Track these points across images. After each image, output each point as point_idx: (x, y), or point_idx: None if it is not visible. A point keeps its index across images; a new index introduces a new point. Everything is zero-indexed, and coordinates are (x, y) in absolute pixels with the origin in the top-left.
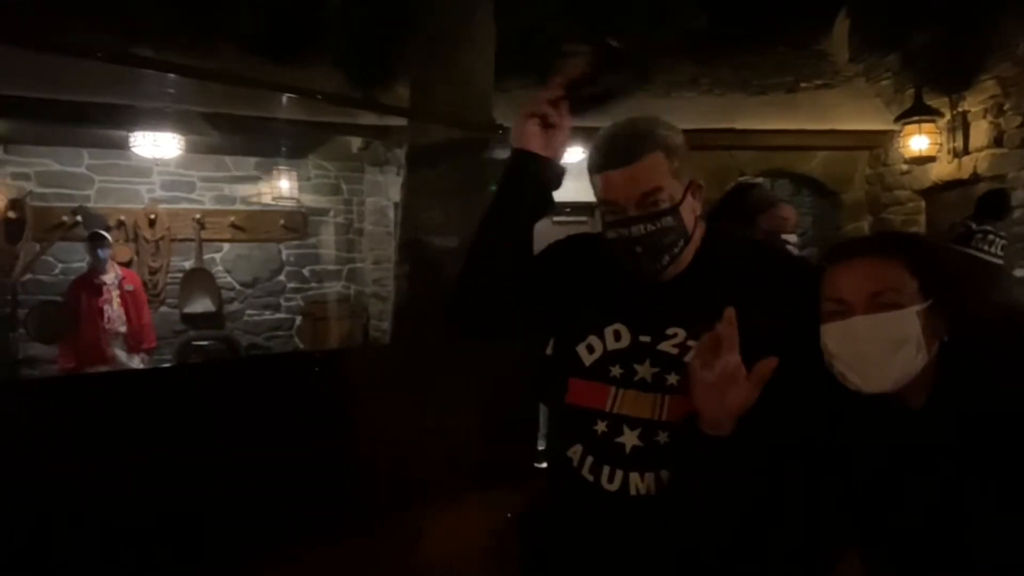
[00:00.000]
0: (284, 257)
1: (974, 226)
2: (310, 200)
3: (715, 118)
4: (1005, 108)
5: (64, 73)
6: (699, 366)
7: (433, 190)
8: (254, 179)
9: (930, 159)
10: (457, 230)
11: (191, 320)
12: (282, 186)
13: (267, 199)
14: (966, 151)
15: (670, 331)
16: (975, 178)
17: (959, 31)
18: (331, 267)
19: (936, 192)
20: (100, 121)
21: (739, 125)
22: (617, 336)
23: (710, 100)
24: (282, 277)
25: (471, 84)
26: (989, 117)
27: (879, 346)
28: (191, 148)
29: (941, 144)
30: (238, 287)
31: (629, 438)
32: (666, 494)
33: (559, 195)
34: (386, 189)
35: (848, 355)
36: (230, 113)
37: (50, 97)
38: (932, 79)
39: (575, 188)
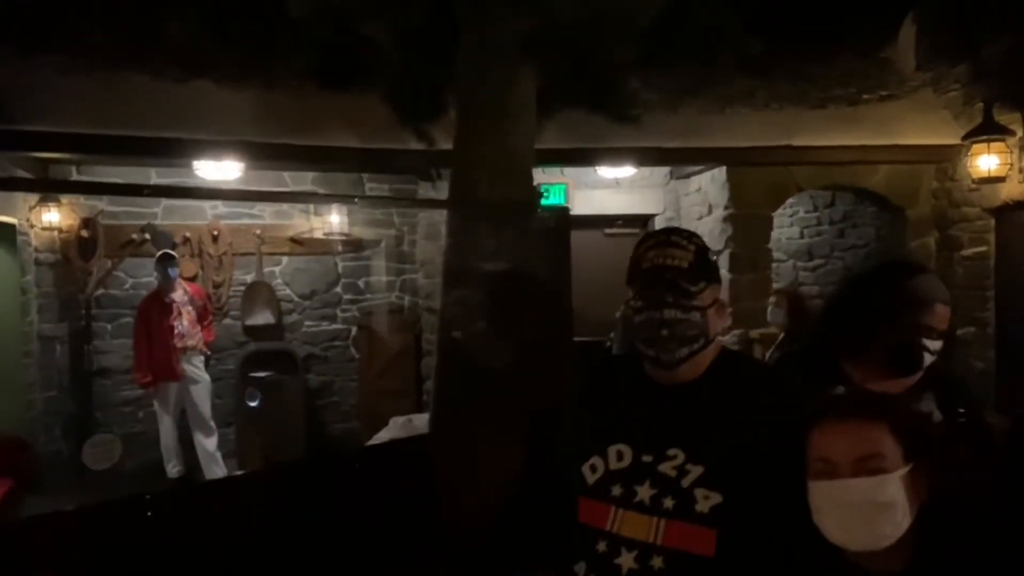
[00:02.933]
0: (340, 269)
1: None
2: (361, 229)
3: (772, 134)
4: None
5: (127, 109)
6: None
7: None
8: (305, 211)
9: (999, 179)
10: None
11: (253, 331)
12: (333, 221)
13: (318, 234)
14: None
15: (671, 452)
16: None
17: None
18: (385, 278)
19: (1007, 211)
20: (164, 154)
21: (797, 141)
22: (620, 456)
23: (766, 115)
24: (338, 289)
25: (513, 157)
26: None
27: (865, 509)
28: (251, 165)
29: (1012, 164)
30: (296, 299)
31: (626, 560)
32: None
33: (613, 207)
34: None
35: (834, 514)
36: (287, 143)
37: (117, 133)
38: (1003, 93)
39: (628, 201)
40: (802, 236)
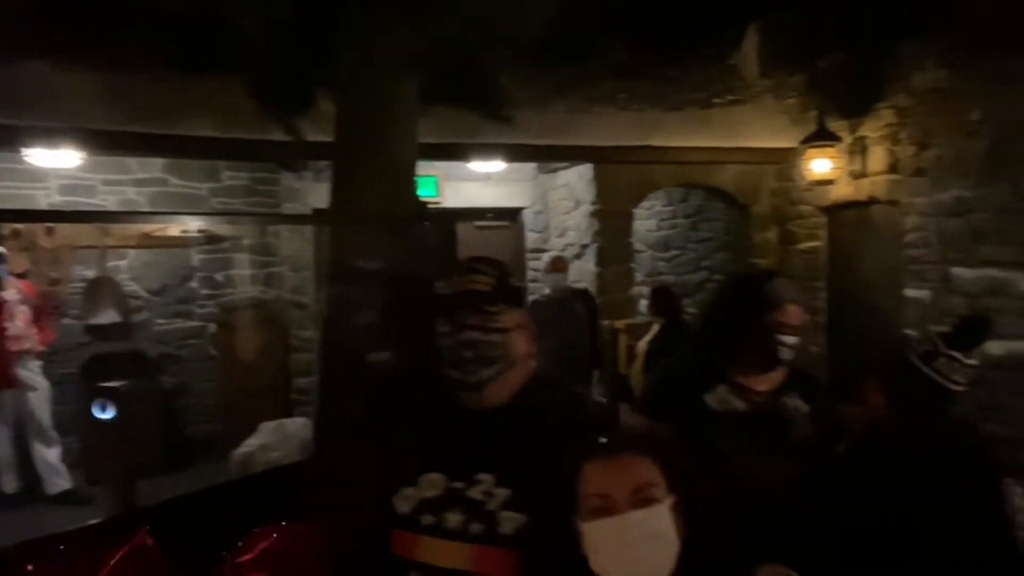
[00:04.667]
0: (195, 263)
1: (942, 347)
2: (220, 224)
3: (635, 134)
4: (900, 137)
5: None
6: None
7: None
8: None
9: (830, 181)
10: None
11: (97, 331)
12: (191, 224)
13: (174, 232)
14: (864, 174)
15: (480, 476)
16: (871, 200)
17: (860, 59)
18: (248, 272)
19: (836, 210)
20: None
21: (656, 141)
22: (432, 484)
23: (629, 116)
24: (193, 284)
25: (399, 166)
26: (886, 144)
27: (643, 541)
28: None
29: (841, 167)
30: (146, 295)
31: None
32: None
33: (483, 200)
34: (304, 196)
35: (613, 550)
36: (135, 131)
37: None
38: (834, 103)
39: (497, 194)
40: (659, 228)
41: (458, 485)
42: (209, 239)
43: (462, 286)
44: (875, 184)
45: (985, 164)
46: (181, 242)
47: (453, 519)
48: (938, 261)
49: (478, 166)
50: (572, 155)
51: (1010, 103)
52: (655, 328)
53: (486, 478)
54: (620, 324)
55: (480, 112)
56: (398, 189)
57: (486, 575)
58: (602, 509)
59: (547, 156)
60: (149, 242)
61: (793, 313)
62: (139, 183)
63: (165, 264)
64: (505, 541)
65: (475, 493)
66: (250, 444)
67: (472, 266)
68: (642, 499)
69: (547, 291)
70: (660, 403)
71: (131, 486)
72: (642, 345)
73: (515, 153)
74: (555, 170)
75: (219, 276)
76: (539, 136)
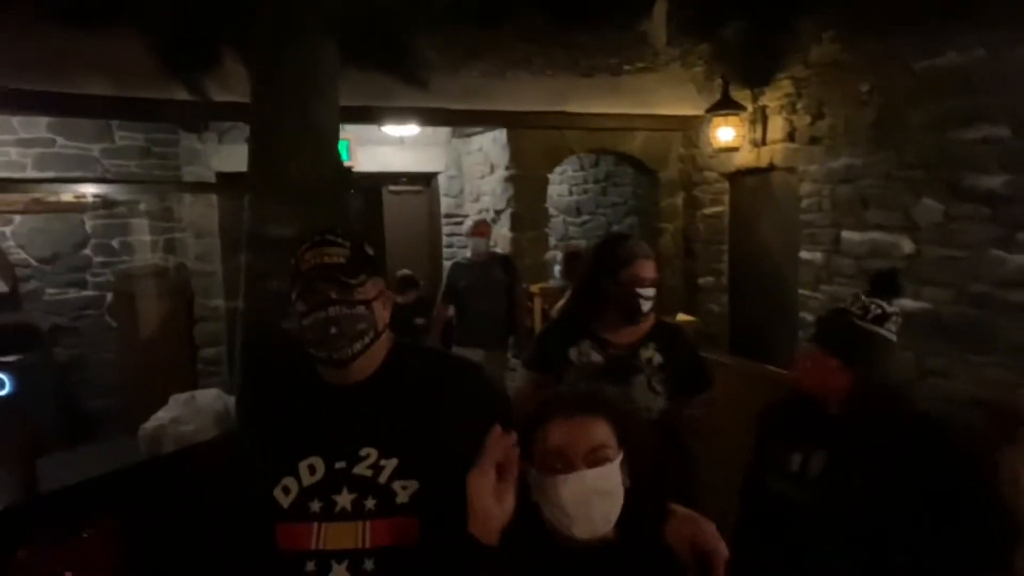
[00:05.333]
0: (88, 229)
1: (888, 308)
2: (118, 189)
3: (548, 99)
4: (797, 107)
5: None
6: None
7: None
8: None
9: (734, 149)
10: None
11: None
12: (86, 189)
13: (67, 198)
14: (764, 142)
15: (363, 452)
16: (771, 167)
17: (761, 29)
18: (148, 238)
19: (739, 176)
20: None
21: (569, 107)
22: (312, 470)
23: (543, 81)
24: (87, 251)
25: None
26: (784, 113)
27: (595, 496)
28: None
29: (744, 135)
30: (35, 264)
31: (339, 573)
32: None
33: (397, 165)
34: (206, 158)
35: (568, 504)
36: (21, 88)
37: None
38: (737, 72)
39: (411, 158)
40: (571, 193)
41: (341, 465)
42: (104, 203)
43: (317, 259)
44: (774, 152)
45: (873, 133)
46: (73, 207)
47: (344, 500)
48: (830, 225)
49: (392, 130)
50: (487, 120)
51: (895, 76)
52: (569, 292)
53: (371, 452)
54: (535, 288)
55: (395, 75)
56: (321, 155)
57: (387, 547)
58: (560, 467)
59: (462, 120)
60: (38, 207)
61: (645, 268)
62: (23, 143)
63: (56, 230)
64: (402, 510)
65: (362, 470)
66: (160, 417)
67: (323, 239)
68: (597, 458)
69: (468, 254)
70: (541, 358)
71: (31, 466)
72: (556, 308)
73: (430, 117)
74: (469, 135)
75: (115, 243)
76: (454, 100)
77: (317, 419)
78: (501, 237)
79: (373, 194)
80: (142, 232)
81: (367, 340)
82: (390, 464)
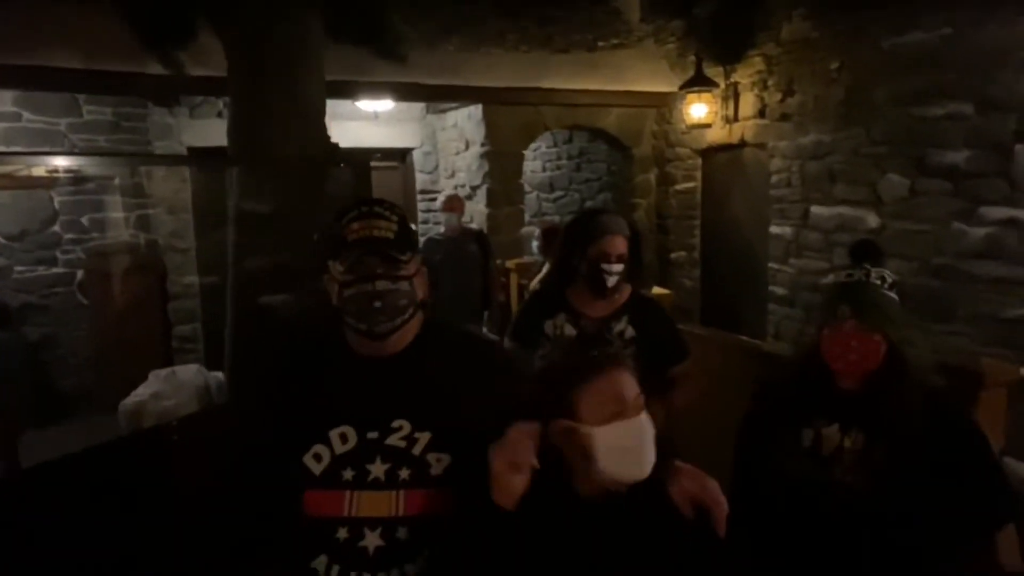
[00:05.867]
0: (56, 205)
1: (888, 276)
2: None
3: (524, 76)
4: (768, 84)
5: None
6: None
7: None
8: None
9: (707, 126)
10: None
11: None
12: (57, 162)
13: (39, 172)
14: (736, 119)
15: (396, 424)
16: (742, 143)
17: (734, 6)
18: (120, 214)
19: (711, 152)
20: None
21: (545, 84)
22: (344, 439)
23: (518, 57)
24: (56, 228)
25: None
26: (755, 90)
27: (649, 440)
28: None
29: (717, 112)
30: (3, 241)
31: (371, 540)
32: None
33: (371, 140)
34: (177, 133)
35: (623, 451)
36: None
37: None
38: (710, 49)
39: (386, 134)
40: (544, 170)
41: (373, 436)
42: (74, 179)
43: (367, 231)
44: (745, 128)
45: (841, 110)
46: (44, 182)
47: (377, 469)
48: (799, 200)
49: (366, 105)
50: (462, 95)
51: (864, 54)
52: (546, 268)
53: (403, 424)
54: (511, 263)
55: (372, 49)
56: (309, 131)
57: (421, 516)
58: (617, 414)
59: (438, 96)
60: (9, 183)
61: (612, 244)
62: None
63: (23, 206)
64: (436, 482)
65: (395, 441)
66: (140, 394)
67: (371, 210)
68: (640, 405)
69: (442, 229)
70: (521, 331)
71: (12, 443)
72: (534, 284)
73: (406, 92)
74: (444, 111)
75: (85, 220)
76: (429, 75)
77: (348, 389)
78: (477, 213)
79: (362, 168)
80: (114, 209)
81: (407, 316)
82: (424, 437)
